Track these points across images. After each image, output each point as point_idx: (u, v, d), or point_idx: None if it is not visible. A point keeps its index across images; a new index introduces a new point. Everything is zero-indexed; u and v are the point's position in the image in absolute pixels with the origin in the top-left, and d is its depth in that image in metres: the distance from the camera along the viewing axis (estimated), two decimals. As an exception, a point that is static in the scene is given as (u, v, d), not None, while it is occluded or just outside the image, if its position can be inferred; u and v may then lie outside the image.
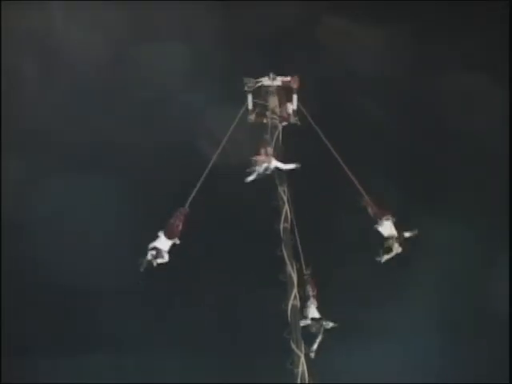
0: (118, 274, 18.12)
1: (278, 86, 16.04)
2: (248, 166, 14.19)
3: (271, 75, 15.99)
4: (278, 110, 15.87)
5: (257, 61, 20.39)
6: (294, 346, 12.91)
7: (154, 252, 13.52)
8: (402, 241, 14.17)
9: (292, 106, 15.98)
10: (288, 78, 16.02)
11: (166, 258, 13.65)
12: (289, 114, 15.91)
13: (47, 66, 21.87)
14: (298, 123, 15.87)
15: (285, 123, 15.88)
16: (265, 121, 15.91)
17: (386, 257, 14.07)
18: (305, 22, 21.67)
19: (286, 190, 14.60)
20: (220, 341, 18.72)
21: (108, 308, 18.84)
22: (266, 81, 16.03)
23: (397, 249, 14.09)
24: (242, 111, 15.87)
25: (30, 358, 18.54)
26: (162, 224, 14.07)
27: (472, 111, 21.08)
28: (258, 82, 15.96)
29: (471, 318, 19.19)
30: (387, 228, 14.19)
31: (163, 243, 13.71)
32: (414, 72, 21.60)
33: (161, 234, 13.77)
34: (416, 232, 14.39)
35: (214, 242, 18.50)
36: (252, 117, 16.07)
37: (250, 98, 15.99)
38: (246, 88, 15.94)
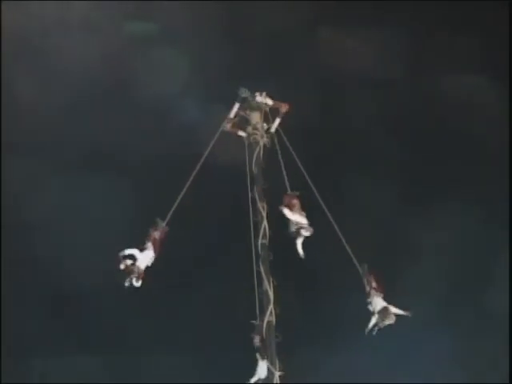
0: (118, 273, 18.12)
1: (266, 104, 15.75)
2: None
3: (264, 94, 15.69)
4: (259, 125, 15.57)
5: (257, 61, 20.44)
6: (268, 364, 12.83)
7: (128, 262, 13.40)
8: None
9: (269, 126, 15.80)
10: (279, 102, 15.77)
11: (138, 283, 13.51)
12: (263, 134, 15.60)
13: (47, 66, 21.89)
14: (267, 145, 15.54)
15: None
16: (240, 133, 15.65)
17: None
18: (304, 22, 21.68)
19: (265, 206, 14.52)
20: (220, 340, 18.75)
21: (109, 308, 18.86)
22: (257, 96, 15.79)
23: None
24: (225, 121, 15.75)
25: (29, 358, 18.57)
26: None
27: (472, 111, 21.08)
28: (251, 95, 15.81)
29: (471, 318, 19.20)
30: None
31: (142, 259, 13.61)
32: (414, 72, 21.60)
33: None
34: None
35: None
36: (229, 126, 15.77)
37: (236, 106, 15.73)
38: (240, 96, 15.65)
